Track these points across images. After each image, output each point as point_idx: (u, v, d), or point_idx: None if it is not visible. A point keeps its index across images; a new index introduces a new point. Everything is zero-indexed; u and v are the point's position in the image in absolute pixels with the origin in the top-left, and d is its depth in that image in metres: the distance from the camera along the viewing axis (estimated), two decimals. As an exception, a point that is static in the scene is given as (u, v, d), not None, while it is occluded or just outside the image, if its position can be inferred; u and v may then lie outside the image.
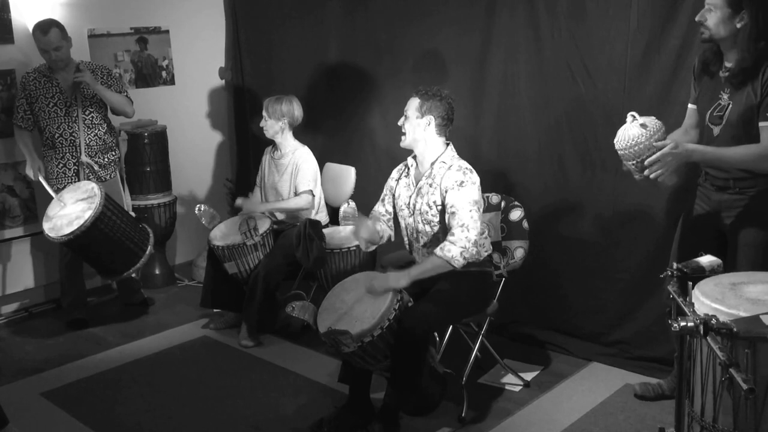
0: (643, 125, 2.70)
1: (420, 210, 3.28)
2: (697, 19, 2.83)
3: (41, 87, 4.40)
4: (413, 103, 3.27)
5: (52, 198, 4.30)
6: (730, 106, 2.84)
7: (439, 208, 3.22)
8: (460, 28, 4.18)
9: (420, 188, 3.30)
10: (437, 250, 3.13)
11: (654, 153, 2.68)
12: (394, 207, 3.46)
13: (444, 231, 3.21)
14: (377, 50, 4.68)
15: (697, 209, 3.08)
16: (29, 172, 4.41)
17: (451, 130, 3.33)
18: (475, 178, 3.22)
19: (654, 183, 2.80)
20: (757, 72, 2.75)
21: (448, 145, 3.32)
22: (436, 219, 3.24)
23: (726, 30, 2.77)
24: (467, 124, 4.09)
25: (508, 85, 4.02)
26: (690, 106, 3.10)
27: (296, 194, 4.37)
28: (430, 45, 4.37)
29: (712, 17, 2.77)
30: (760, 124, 2.75)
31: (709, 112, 2.93)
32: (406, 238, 3.43)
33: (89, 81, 4.31)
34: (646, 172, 2.73)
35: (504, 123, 4.08)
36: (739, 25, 2.75)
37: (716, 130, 2.90)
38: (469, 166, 3.26)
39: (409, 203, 3.35)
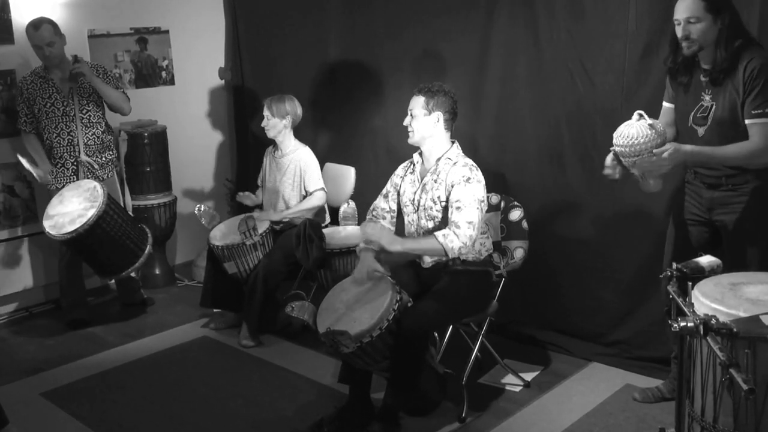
0: (651, 126, 2.72)
1: (424, 206, 3.29)
2: (681, 35, 2.84)
3: (38, 88, 4.40)
4: (418, 101, 3.26)
5: (51, 197, 4.30)
6: (714, 106, 2.87)
7: (443, 204, 3.22)
8: (460, 28, 4.18)
9: (425, 184, 3.30)
10: (439, 235, 3.10)
11: (652, 156, 2.72)
12: (398, 204, 3.47)
13: (445, 227, 3.21)
14: (377, 51, 4.68)
15: (688, 207, 3.10)
16: (31, 168, 4.36)
17: (455, 126, 3.34)
18: (480, 176, 3.23)
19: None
20: (736, 69, 2.79)
21: (453, 142, 3.33)
22: (440, 215, 3.24)
23: (712, 36, 2.82)
24: (467, 125, 4.08)
25: (508, 86, 4.02)
26: (665, 104, 3.13)
27: (306, 195, 4.40)
28: (430, 45, 4.37)
29: (697, 28, 2.81)
30: (747, 121, 2.78)
31: (692, 114, 2.96)
32: (408, 235, 3.42)
33: (86, 72, 4.31)
34: (633, 171, 2.77)
35: (503, 123, 4.08)
36: (720, 27, 2.80)
37: (701, 131, 2.92)
38: (474, 164, 3.27)
39: (413, 199, 3.35)
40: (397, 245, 3.13)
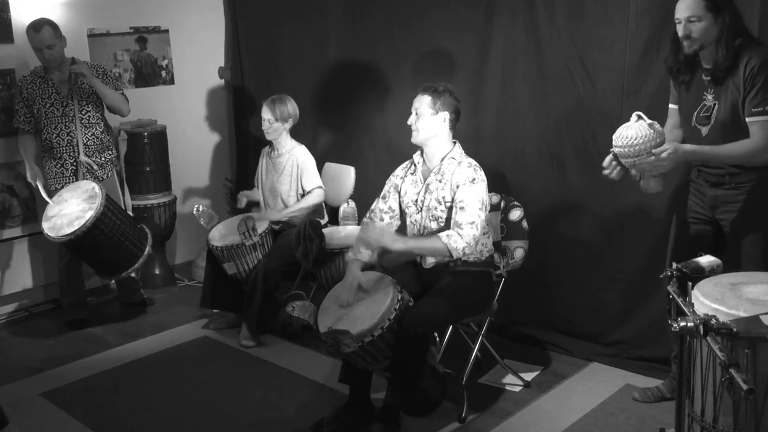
0: (650, 126, 2.73)
1: (428, 206, 3.28)
2: (682, 34, 2.86)
3: (37, 88, 4.40)
4: (424, 100, 3.25)
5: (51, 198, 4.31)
6: (716, 105, 2.88)
7: (448, 204, 3.22)
8: (460, 28, 4.18)
9: (428, 184, 3.29)
10: (443, 236, 3.11)
11: (651, 156, 2.74)
12: (399, 204, 3.46)
13: (449, 227, 3.21)
14: (377, 50, 4.68)
15: (691, 205, 3.11)
16: (29, 177, 4.42)
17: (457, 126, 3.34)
18: (483, 176, 3.24)
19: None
20: (737, 68, 2.80)
21: (455, 143, 3.33)
22: (444, 215, 3.24)
23: (713, 35, 2.83)
24: (467, 124, 4.07)
25: (508, 86, 4.02)
26: (671, 106, 3.14)
27: (304, 194, 4.39)
28: (430, 45, 4.37)
29: (698, 27, 2.82)
30: (747, 119, 2.80)
31: (695, 113, 2.96)
32: (410, 236, 3.42)
33: (86, 72, 4.31)
34: (632, 172, 2.78)
35: (503, 123, 4.08)
36: (721, 26, 2.81)
37: (704, 130, 2.93)
38: (477, 164, 3.27)
39: (416, 200, 3.34)
40: (399, 243, 3.13)
